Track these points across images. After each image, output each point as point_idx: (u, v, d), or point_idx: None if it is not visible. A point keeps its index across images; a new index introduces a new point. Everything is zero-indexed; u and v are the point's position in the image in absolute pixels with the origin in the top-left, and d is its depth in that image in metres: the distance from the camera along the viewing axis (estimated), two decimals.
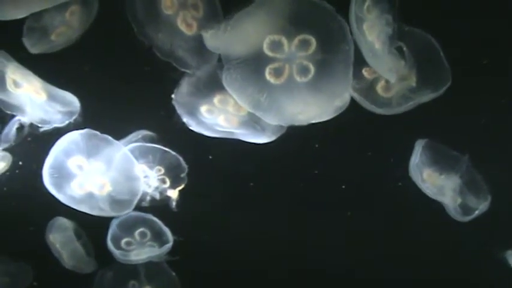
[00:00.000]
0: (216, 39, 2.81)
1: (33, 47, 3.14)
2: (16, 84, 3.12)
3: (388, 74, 2.99)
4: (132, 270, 3.94)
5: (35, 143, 3.35)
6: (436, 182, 3.47)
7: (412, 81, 3.09)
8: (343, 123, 3.26)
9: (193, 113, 3.21)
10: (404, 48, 2.99)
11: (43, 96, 3.17)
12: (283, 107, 2.79)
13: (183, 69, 3.05)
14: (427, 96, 3.12)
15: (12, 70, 3.11)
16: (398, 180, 3.65)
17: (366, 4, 2.83)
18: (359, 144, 3.71)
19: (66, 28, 3.15)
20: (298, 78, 2.75)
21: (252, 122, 3.15)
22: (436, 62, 3.11)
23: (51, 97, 3.19)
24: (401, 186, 3.64)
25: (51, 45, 3.17)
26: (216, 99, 3.17)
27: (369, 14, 2.86)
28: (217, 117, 3.21)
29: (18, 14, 2.83)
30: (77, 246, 3.83)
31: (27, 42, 3.12)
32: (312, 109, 2.80)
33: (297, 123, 2.88)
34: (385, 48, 2.94)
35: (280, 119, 2.86)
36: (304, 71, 2.74)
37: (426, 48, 3.10)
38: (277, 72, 2.74)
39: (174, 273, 3.98)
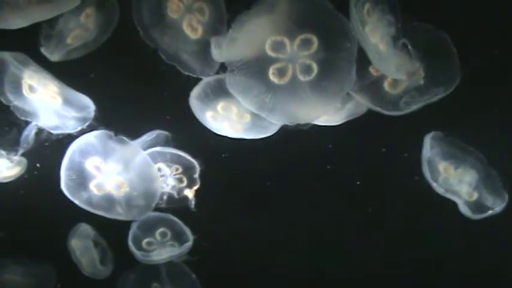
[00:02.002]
0: (223, 53, 2.84)
1: (52, 55, 3.17)
2: (32, 89, 3.16)
3: (396, 74, 2.98)
4: (154, 273, 3.97)
5: (53, 147, 3.38)
6: (452, 176, 3.43)
7: (421, 77, 3.07)
8: (357, 121, 3.29)
9: (201, 116, 3.29)
10: (409, 46, 2.96)
11: (58, 101, 3.21)
12: (288, 106, 2.81)
13: (186, 73, 3.08)
14: (436, 97, 3.09)
15: (29, 75, 3.16)
16: (414, 175, 3.60)
17: (366, 8, 2.83)
18: (373, 140, 3.68)
19: (81, 31, 3.18)
20: (301, 78, 2.77)
21: (256, 127, 3.18)
22: (445, 58, 3.08)
23: (67, 102, 3.23)
24: (418, 181, 3.57)
25: (68, 50, 3.20)
26: (220, 106, 3.22)
27: (370, 17, 2.86)
28: (222, 124, 3.27)
29: (21, 24, 2.87)
30: (93, 256, 3.88)
31: (45, 51, 3.16)
32: (316, 107, 2.81)
33: (302, 122, 2.90)
34: (390, 48, 2.92)
35: (285, 119, 2.88)
36: (307, 70, 2.76)
37: (435, 44, 3.07)
38: (281, 73, 2.77)
39: (194, 275, 4.00)
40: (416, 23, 3.05)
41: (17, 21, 2.81)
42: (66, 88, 3.26)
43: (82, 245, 3.86)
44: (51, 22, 3.11)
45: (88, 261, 3.88)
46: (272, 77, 2.77)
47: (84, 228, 3.86)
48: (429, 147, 3.39)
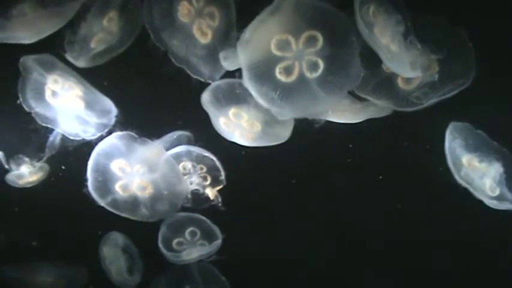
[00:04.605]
0: (237, 58, 2.85)
1: (78, 60, 3.20)
2: (54, 94, 3.22)
3: (411, 73, 2.96)
4: (185, 275, 4.02)
5: (76, 152, 3.44)
6: (476, 169, 3.37)
7: (435, 72, 3.04)
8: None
9: (215, 122, 3.33)
10: (418, 44, 2.94)
11: (80, 106, 3.27)
12: (297, 104, 2.83)
13: (195, 77, 3.12)
14: (451, 93, 3.06)
15: (53, 80, 3.22)
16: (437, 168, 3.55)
17: (371, 10, 2.82)
18: (394, 135, 3.66)
19: (105, 34, 3.22)
20: (308, 75, 2.79)
21: (267, 135, 3.20)
22: (460, 53, 3.04)
23: (89, 106, 3.28)
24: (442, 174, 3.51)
25: (93, 54, 3.23)
26: (231, 112, 3.25)
27: (377, 19, 2.85)
28: (234, 132, 3.31)
29: (31, 37, 2.96)
30: (121, 266, 3.96)
31: (70, 56, 3.19)
32: (325, 103, 2.84)
33: (312, 118, 2.94)
34: (402, 47, 2.90)
35: (295, 114, 2.93)
36: (314, 66, 2.78)
37: (451, 39, 3.03)
38: (288, 71, 2.79)
39: (224, 278, 4.05)
40: (431, 17, 3.02)
41: (26, 35, 2.89)
42: (90, 91, 3.31)
43: (111, 254, 3.94)
44: (74, 28, 3.15)
45: (116, 270, 3.96)
46: (279, 75, 2.80)
47: (115, 237, 3.95)
48: (451, 138, 3.34)
